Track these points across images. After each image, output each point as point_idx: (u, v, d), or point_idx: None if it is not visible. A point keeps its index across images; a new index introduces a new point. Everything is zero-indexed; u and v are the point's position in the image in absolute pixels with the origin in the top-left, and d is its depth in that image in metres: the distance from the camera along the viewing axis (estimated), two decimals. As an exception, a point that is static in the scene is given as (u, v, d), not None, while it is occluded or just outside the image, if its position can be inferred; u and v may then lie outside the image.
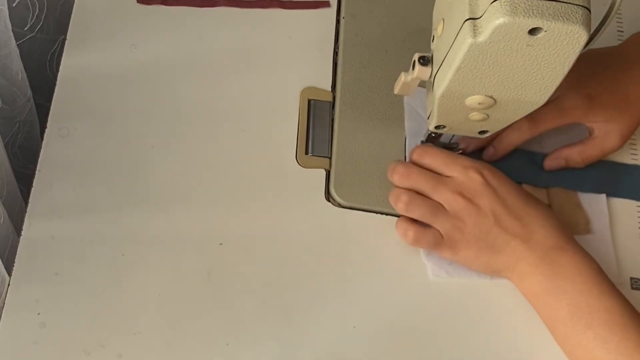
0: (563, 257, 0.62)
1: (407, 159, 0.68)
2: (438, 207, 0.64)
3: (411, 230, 0.64)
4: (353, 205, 0.68)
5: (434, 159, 0.65)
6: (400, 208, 0.64)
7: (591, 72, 0.69)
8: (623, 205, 0.70)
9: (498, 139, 0.69)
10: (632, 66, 0.70)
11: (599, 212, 0.69)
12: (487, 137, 0.65)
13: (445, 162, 0.65)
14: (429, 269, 0.65)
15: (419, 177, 0.64)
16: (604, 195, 0.70)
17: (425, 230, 0.64)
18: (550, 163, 0.70)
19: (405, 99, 0.72)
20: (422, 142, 0.69)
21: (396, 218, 0.67)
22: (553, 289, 0.61)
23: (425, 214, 0.64)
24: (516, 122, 0.62)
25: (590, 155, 0.70)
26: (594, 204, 0.69)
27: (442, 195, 0.63)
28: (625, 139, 0.69)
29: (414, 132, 0.71)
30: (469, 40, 0.51)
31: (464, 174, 0.63)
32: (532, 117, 0.64)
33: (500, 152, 0.70)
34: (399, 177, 0.65)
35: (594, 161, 0.70)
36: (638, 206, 0.70)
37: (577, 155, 0.70)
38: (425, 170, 0.65)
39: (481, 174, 0.63)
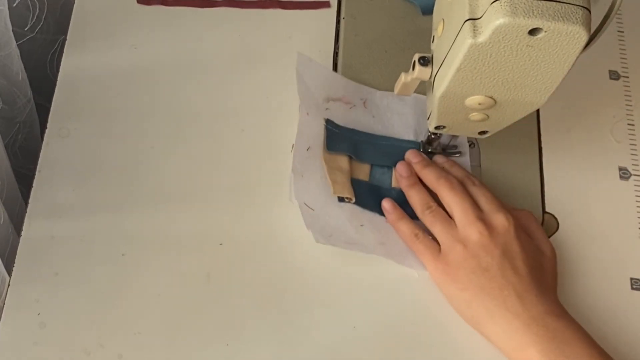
0: (559, 322, 0.58)
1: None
2: (450, 222, 0.62)
3: (408, 226, 0.63)
4: (353, 205, 0.68)
5: (480, 191, 0.64)
6: (418, 204, 0.64)
7: None
8: (623, 206, 0.70)
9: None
10: None
11: None
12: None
13: (487, 198, 0.63)
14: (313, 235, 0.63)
15: (456, 194, 0.63)
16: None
17: (425, 234, 0.63)
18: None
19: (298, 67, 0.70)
20: (422, 142, 0.69)
21: (396, 218, 0.67)
22: (551, 351, 0.56)
23: (439, 220, 0.62)
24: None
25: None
26: None
27: (465, 216, 0.61)
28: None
29: (304, 96, 0.69)
30: (469, 41, 0.51)
31: (496, 210, 0.62)
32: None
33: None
34: (446, 185, 0.63)
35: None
36: (638, 206, 0.70)
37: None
38: (459, 185, 0.64)
39: (510, 215, 0.61)
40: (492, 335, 0.59)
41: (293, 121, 0.70)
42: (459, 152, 0.69)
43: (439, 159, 0.68)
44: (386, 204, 0.65)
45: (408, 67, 0.60)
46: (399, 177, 0.67)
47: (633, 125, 0.73)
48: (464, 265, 0.60)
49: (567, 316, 0.59)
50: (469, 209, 0.62)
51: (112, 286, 0.63)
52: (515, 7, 0.48)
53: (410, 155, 0.67)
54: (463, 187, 0.64)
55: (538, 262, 0.62)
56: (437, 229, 0.63)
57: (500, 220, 0.61)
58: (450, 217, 0.63)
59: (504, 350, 0.59)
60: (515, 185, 0.69)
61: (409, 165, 0.67)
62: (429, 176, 0.65)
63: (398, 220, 0.65)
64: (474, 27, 0.50)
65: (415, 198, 0.65)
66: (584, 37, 0.50)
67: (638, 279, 0.66)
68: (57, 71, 0.71)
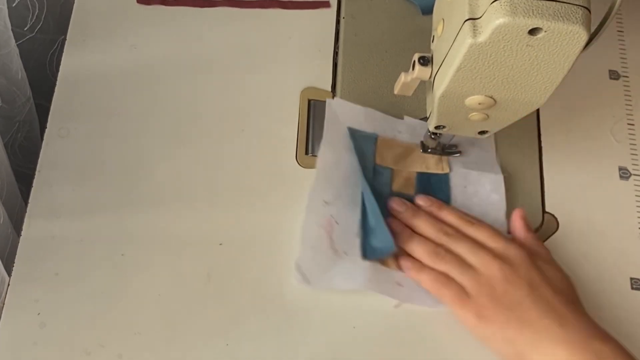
0: (605, 346, 0.56)
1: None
2: (466, 265, 0.61)
3: (432, 275, 0.61)
4: (353, 205, 0.67)
5: (480, 230, 0.63)
6: (425, 255, 0.62)
7: None
8: (623, 206, 0.70)
9: None
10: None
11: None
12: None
13: (489, 234, 0.63)
14: (300, 277, 0.62)
15: (461, 239, 0.62)
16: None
17: (449, 279, 0.61)
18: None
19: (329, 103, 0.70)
20: (422, 142, 0.69)
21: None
22: None
23: (454, 266, 0.61)
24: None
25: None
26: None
27: (479, 257, 0.61)
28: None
29: (329, 139, 0.68)
30: (469, 41, 0.51)
31: (504, 246, 0.61)
32: None
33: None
34: (447, 237, 0.63)
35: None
36: (638, 206, 0.70)
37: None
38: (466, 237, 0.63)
39: (524, 249, 0.61)
40: None
41: (293, 121, 0.70)
42: (459, 152, 0.69)
43: (421, 201, 0.66)
44: (404, 262, 0.63)
45: (408, 67, 0.60)
46: (394, 228, 0.64)
47: (633, 125, 0.73)
48: (497, 303, 0.59)
49: (611, 339, 0.57)
50: (481, 251, 0.61)
51: (112, 286, 0.63)
52: (515, 7, 0.48)
53: (395, 204, 0.66)
54: (461, 233, 0.63)
55: (562, 284, 0.61)
56: (456, 274, 0.61)
57: (513, 252, 0.61)
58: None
59: None
60: (515, 185, 0.69)
61: (402, 206, 0.66)
62: (426, 230, 0.64)
63: (419, 272, 0.62)
64: (474, 26, 0.50)
65: (419, 249, 0.63)
66: (584, 37, 0.50)
67: (638, 279, 0.66)
68: (57, 71, 0.71)
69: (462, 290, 0.61)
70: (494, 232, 0.63)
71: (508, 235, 0.65)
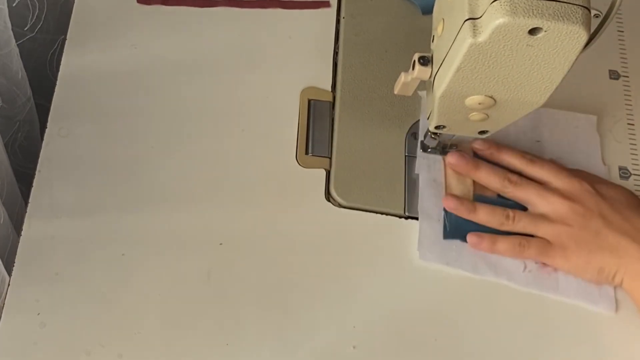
0: None
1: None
2: (538, 217, 0.63)
3: (507, 242, 0.64)
4: (353, 205, 0.68)
5: (542, 169, 0.65)
6: (496, 223, 0.64)
7: None
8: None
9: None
10: None
11: None
12: None
13: (551, 172, 0.65)
14: (431, 256, 0.64)
15: (527, 185, 0.64)
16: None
17: (530, 239, 0.64)
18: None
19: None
20: (422, 141, 0.69)
21: (396, 218, 0.67)
22: None
23: (527, 224, 0.64)
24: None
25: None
26: None
27: (548, 202, 0.63)
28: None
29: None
30: (469, 40, 0.51)
31: (568, 183, 0.63)
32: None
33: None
34: (513, 186, 0.65)
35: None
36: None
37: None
38: (524, 179, 0.65)
39: (585, 180, 0.63)
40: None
41: (293, 121, 0.70)
42: (460, 151, 0.69)
43: (478, 145, 0.68)
44: (471, 239, 0.65)
45: (408, 66, 0.60)
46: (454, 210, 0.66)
47: (633, 125, 0.73)
48: (577, 241, 0.62)
49: None
50: (549, 195, 0.63)
51: (112, 286, 0.63)
52: (515, 7, 0.48)
53: (453, 158, 0.67)
54: (524, 176, 0.65)
55: (627, 199, 0.64)
56: (533, 230, 0.63)
57: (578, 186, 0.63)
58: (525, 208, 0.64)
59: None
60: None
61: (461, 159, 0.67)
62: (491, 181, 0.66)
63: (493, 245, 0.64)
64: (474, 26, 0.50)
65: (486, 217, 0.65)
66: (583, 37, 0.50)
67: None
68: (57, 71, 0.71)
69: (542, 243, 0.63)
70: (556, 168, 0.65)
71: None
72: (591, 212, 0.62)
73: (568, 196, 0.63)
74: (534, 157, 0.67)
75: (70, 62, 0.72)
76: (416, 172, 0.68)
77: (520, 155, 0.67)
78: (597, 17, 0.51)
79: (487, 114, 0.59)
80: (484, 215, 0.65)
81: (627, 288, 0.63)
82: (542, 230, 0.63)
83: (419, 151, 0.69)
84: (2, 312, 0.61)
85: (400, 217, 0.67)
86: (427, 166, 0.67)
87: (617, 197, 0.64)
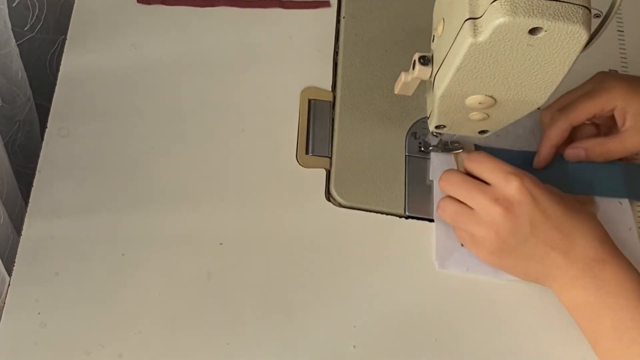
0: (605, 270, 0.60)
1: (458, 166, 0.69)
2: (472, 212, 0.63)
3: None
4: (353, 205, 0.68)
5: (478, 164, 0.64)
6: (450, 221, 0.65)
7: None
8: (622, 206, 0.70)
9: (539, 146, 0.69)
10: None
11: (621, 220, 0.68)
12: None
13: (488, 168, 0.63)
14: (448, 264, 0.65)
15: (458, 183, 0.64)
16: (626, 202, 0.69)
17: (470, 235, 0.64)
18: (569, 152, 0.68)
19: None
20: (424, 140, 0.69)
21: (396, 218, 0.67)
22: (596, 303, 0.60)
23: (462, 220, 0.63)
24: (547, 117, 0.63)
25: (611, 150, 0.67)
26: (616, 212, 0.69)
27: (478, 203, 0.62)
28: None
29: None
30: (469, 40, 0.51)
31: (504, 180, 0.61)
32: (562, 109, 0.66)
33: (544, 155, 0.68)
34: (443, 183, 0.65)
35: (614, 158, 0.68)
36: (638, 206, 0.70)
37: (597, 147, 0.67)
38: (466, 177, 0.64)
39: (521, 181, 0.61)
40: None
41: (293, 121, 0.70)
42: (462, 149, 0.69)
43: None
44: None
45: (408, 66, 0.60)
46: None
47: (633, 125, 0.73)
48: (504, 246, 0.62)
49: (612, 259, 0.61)
50: (479, 196, 0.62)
51: (112, 286, 0.62)
52: (515, 7, 0.48)
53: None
54: (461, 174, 0.64)
55: (560, 204, 0.61)
56: (469, 227, 0.63)
57: (513, 189, 0.61)
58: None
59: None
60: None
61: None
62: (450, 191, 0.65)
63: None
64: (474, 26, 0.50)
65: (446, 217, 0.65)
66: (584, 37, 0.50)
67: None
68: (57, 71, 0.71)
69: (474, 239, 0.63)
70: (494, 165, 0.63)
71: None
72: (521, 220, 0.60)
73: (500, 199, 0.61)
74: (480, 154, 0.65)
75: (70, 62, 0.72)
76: (430, 178, 0.68)
77: (470, 155, 0.66)
78: (597, 17, 0.51)
79: (487, 114, 0.59)
80: (441, 211, 0.65)
81: (558, 296, 0.63)
82: (471, 229, 0.63)
83: (432, 156, 0.69)
84: (2, 312, 0.61)
85: (400, 216, 0.67)
86: (441, 172, 0.67)
87: (552, 203, 0.61)
